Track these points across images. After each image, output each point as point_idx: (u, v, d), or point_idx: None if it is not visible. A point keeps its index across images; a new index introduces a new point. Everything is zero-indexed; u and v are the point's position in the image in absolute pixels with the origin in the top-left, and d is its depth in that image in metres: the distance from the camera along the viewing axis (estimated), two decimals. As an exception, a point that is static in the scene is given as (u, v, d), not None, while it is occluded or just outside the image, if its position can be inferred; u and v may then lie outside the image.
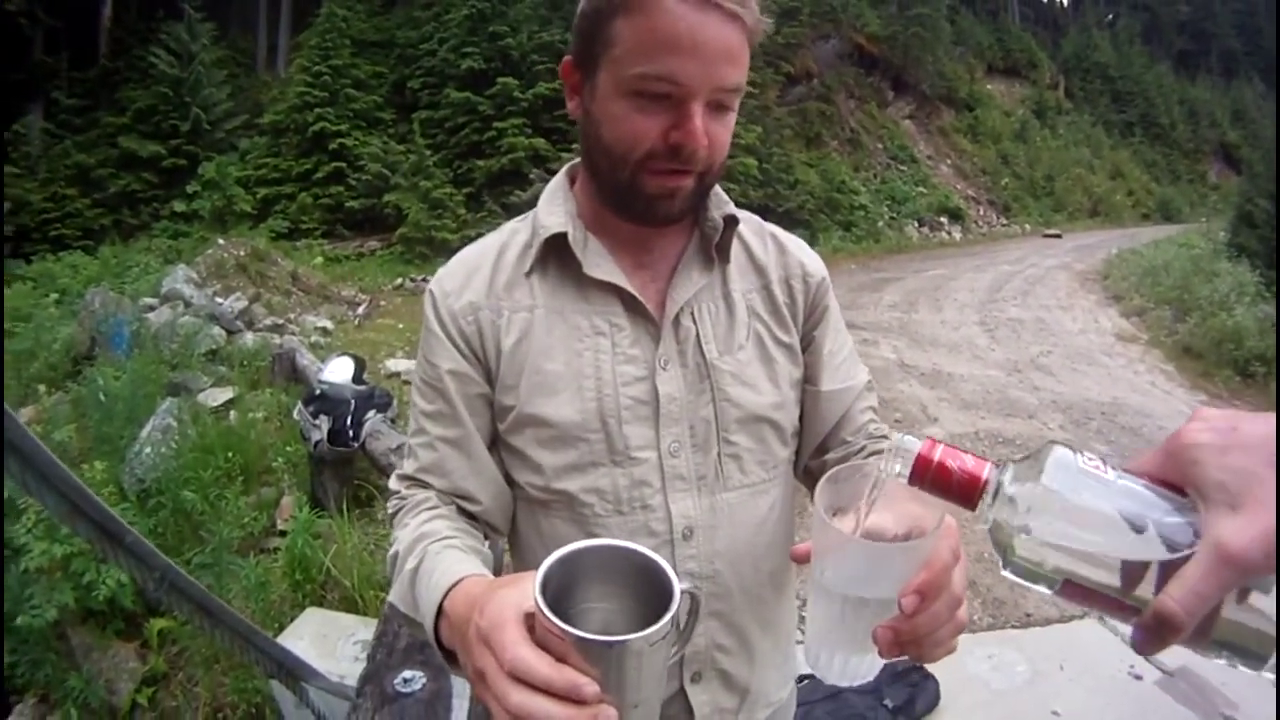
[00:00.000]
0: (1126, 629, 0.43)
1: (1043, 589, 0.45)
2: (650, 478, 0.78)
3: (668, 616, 0.48)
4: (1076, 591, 0.44)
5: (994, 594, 3.07)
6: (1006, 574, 0.46)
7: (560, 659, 0.47)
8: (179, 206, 13.58)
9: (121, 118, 15.09)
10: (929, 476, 0.48)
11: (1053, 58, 30.94)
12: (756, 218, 0.91)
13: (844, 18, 19.48)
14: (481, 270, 0.82)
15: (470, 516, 0.81)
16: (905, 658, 0.55)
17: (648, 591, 0.51)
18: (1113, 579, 0.42)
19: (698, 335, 0.80)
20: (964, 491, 0.47)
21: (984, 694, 2.39)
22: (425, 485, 0.81)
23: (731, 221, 0.83)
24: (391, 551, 0.76)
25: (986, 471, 0.47)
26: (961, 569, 0.55)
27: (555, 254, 0.80)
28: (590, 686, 0.46)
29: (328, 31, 14.55)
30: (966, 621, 0.57)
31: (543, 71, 13.25)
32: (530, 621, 0.50)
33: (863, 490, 0.54)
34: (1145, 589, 0.41)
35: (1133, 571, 0.42)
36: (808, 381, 0.87)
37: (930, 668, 2.29)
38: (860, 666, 0.57)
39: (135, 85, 15.80)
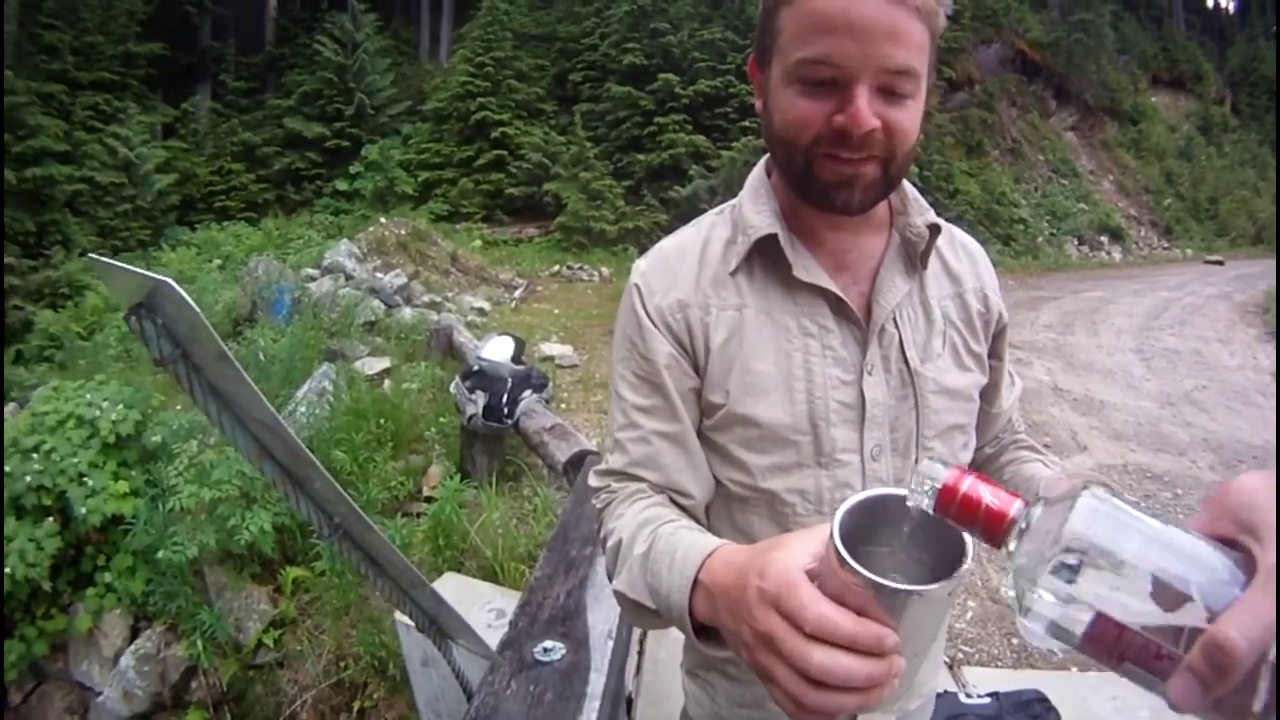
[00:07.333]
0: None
1: (1061, 643, 0.42)
2: (852, 480, 0.79)
3: (968, 560, 0.46)
4: (1103, 639, 0.39)
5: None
6: (1025, 623, 0.42)
7: (860, 612, 0.46)
8: (341, 185, 14.18)
9: (287, 100, 15.91)
10: (954, 508, 0.45)
11: (1219, 69, 28.58)
12: (945, 222, 0.90)
13: (1006, 22, 18.60)
14: (686, 266, 0.82)
15: (681, 509, 0.81)
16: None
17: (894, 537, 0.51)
18: (1151, 614, 0.38)
19: (901, 341, 0.80)
20: (990, 526, 0.44)
21: (1104, 735, 2.39)
22: (635, 479, 0.81)
23: (935, 230, 0.82)
24: (613, 541, 0.76)
25: (1015, 509, 0.44)
26: None
27: (760, 253, 0.80)
28: (893, 637, 0.46)
29: (490, 24, 14.93)
30: None
31: (704, 69, 13.17)
32: (816, 580, 0.49)
33: None
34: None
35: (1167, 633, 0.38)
36: (982, 397, 0.88)
37: (1054, 701, 2.21)
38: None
39: (301, 70, 16.61)
